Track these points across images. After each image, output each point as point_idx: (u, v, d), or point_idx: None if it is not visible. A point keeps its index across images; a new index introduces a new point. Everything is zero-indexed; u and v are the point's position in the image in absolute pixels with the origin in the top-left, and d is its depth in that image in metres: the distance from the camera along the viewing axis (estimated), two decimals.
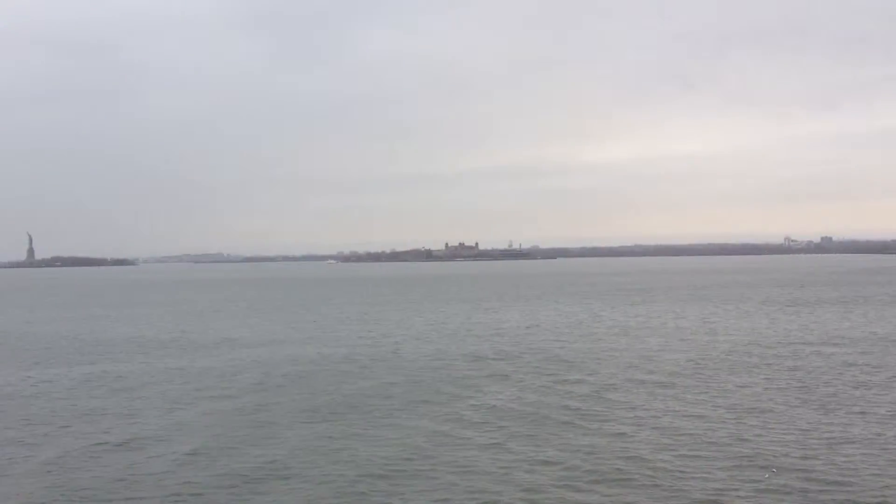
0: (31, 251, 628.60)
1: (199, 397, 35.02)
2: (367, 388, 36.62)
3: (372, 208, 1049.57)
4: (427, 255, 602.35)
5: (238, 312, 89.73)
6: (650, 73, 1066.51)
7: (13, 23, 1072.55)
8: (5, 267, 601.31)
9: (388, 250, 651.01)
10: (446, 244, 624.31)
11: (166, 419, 30.45)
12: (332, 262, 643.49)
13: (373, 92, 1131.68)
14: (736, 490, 20.69)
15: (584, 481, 21.81)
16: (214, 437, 27.24)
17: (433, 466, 23.39)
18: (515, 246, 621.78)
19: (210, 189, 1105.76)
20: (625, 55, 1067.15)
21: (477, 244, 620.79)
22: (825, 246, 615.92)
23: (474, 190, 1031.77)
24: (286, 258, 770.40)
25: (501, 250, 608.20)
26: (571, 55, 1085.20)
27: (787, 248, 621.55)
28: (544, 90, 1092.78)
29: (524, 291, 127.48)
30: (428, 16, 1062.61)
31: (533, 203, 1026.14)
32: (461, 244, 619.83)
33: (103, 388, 38.08)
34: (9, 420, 30.83)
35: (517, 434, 27.11)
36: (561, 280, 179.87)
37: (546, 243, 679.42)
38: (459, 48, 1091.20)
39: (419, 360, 45.59)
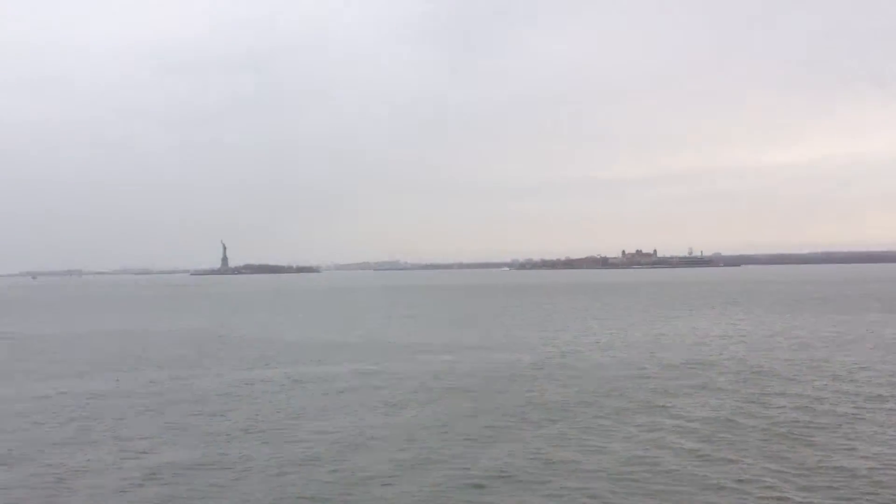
0: (224, 259, 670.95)
1: (406, 401, 35.14)
2: (566, 395, 35.65)
3: (547, 215, 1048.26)
4: (603, 263, 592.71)
5: (423, 317, 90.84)
6: (832, 71, 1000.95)
7: (202, 43, 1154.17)
8: (202, 273, 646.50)
9: (562, 258, 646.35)
10: (623, 251, 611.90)
11: (381, 421, 30.69)
12: (506, 269, 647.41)
13: (540, 96, 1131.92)
14: None
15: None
16: (434, 442, 27.09)
17: (660, 475, 22.38)
18: (696, 253, 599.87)
19: (386, 198, 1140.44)
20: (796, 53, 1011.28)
21: (655, 251, 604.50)
22: None
23: (651, 195, 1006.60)
24: (462, 265, 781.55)
25: (681, 257, 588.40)
26: (736, 55, 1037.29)
27: None
28: (714, 91, 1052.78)
29: (710, 299, 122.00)
30: (583, 20, 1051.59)
31: (712, 208, 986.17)
32: (638, 251, 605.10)
33: (314, 388, 39.11)
34: (225, 420, 32.00)
35: (741, 446, 25.37)
36: (747, 288, 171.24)
37: (728, 250, 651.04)
38: (618, 51, 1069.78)
39: (611, 368, 44.12)
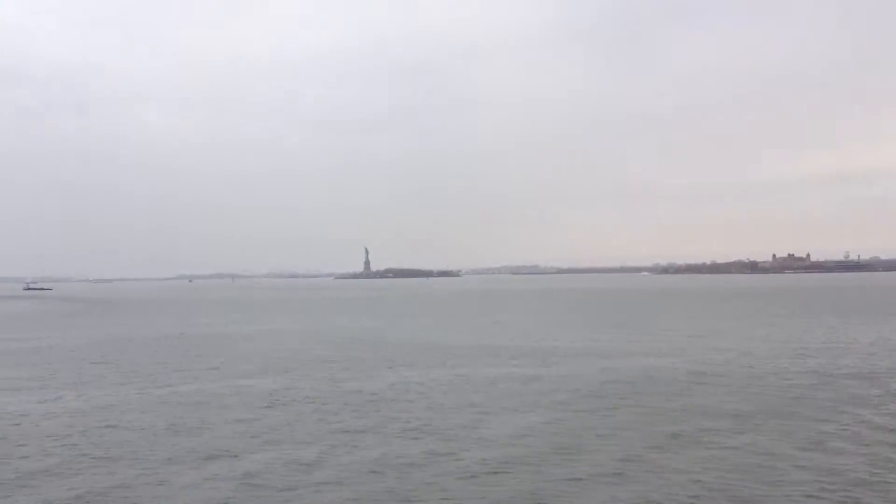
0: (367, 263, 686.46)
1: (576, 405, 33.78)
2: (746, 402, 33.31)
3: (691, 219, 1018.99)
4: (752, 267, 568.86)
5: (572, 321, 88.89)
6: None
7: (358, 52, 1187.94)
8: (345, 277, 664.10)
9: (707, 262, 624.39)
10: (773, 255, 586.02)
11: (550, 424, 29.44)
12: (646, 273, 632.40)
13: (685, 101, 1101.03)
14: None
15: None
16: (621, 449, 25.81)
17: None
18: (853, 257, 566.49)
19: (526, 203, 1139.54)
20: None
21: (808, 255, 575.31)
22: None
23: (804, 199, 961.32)
24: (599, 270, 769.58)
25: (836, 262, 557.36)
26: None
27: None
28: (868, 91, 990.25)
29: (872, 305, 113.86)
30: (733, 21, 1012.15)
31: (868, 212, 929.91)
32: (790, 255, 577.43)
33: (483, 390, 38.44)
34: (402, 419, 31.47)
35: None
36: None
37: (888, 254, 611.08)
38: (769, 52, 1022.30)
39: (787, 376, 41.22)
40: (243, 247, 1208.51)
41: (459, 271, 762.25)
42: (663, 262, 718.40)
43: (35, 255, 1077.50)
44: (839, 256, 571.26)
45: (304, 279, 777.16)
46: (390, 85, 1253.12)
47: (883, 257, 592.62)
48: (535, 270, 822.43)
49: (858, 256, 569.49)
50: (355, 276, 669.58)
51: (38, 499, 21.10)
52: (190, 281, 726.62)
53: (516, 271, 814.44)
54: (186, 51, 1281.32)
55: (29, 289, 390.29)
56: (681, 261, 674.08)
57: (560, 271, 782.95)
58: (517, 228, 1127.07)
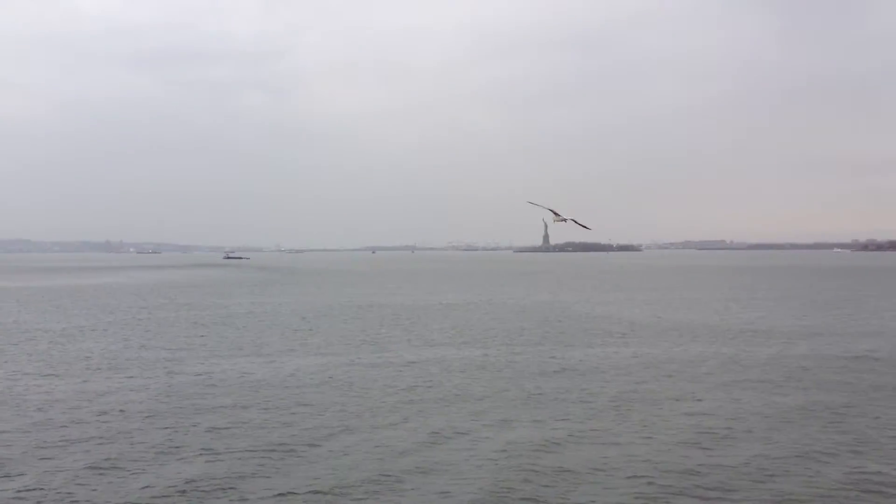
0: (546, 237, 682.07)
1: (783, 386, 30.88)
2: None
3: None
4: None
5: (765, 300, 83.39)
6: None
7: (536, 23, 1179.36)
8: (524, 251, 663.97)
9: None
10: None
11: (759, 407, 26.92)
12: (838, 250, 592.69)
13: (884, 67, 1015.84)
14: None
15: None
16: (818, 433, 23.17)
17: None
18: None
19: (715, 175, 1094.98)
20: None
21: None
22: None
23: None
24: (794, 246, 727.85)
25: None
26: None
27: None
28: None
29: None
30: None
31: None
32: None
33: (680, 370, 36.17)
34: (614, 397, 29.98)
35: None
36: None
37: None
38: None
39: None
40: (424, 220, 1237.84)
41: (640, 245, 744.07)
42: (863, 238, 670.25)
43: (232, 227, 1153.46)
44: None
45: (483, 252, 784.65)
46: (563, 56, 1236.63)
47: None
48: (721, 245, 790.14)
49: None
50: (534, 249, 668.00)
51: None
52: (373, 252, 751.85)
53: (702, 246, 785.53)
54: (363, 28, 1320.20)
55: (228, 258, 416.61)
56: (882, 236, 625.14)
57: (749, 247, 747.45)
58: (701, 201, 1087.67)
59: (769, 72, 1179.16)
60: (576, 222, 29.16)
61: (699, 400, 29.38)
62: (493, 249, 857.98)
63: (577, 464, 21.17)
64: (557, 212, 29.03)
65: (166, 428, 25.23)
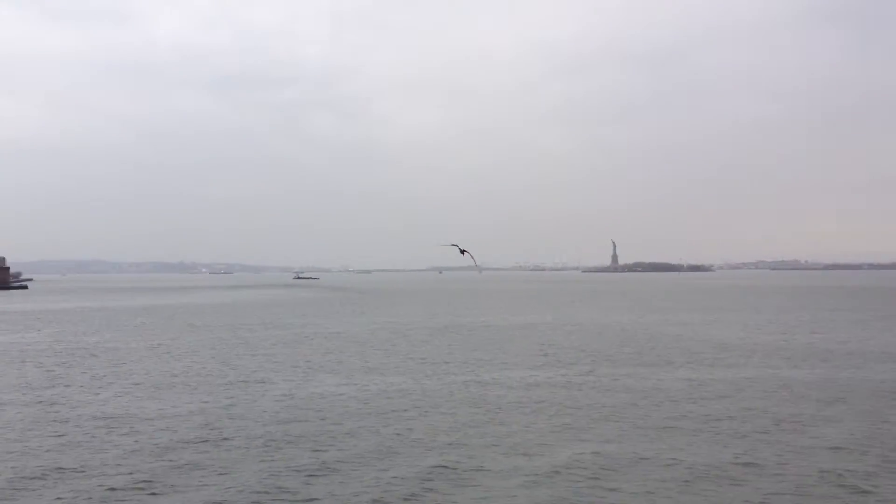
0: (614, 257, 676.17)
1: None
2: None
3: None
4: None
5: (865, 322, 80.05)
6: None
7: (604, 41, 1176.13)
8: (593, 271, 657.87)
9: None
10: None
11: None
12: None
13: None
14: None
15: None
16: None
17: None
18: None
19: (785, 195, 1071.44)
20: None
21: None
22: None
23: None
24: (872, 266, 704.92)
25: None
26: None
27: None
28: None
29: None
30: None
31: None
32: None
33: (800, 393, 34.47)
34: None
35: None
36: None
37: None
38: None
39: None
40: (490, 240, 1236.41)
41: (711, 266, 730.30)
42: None
43: (300, 248, 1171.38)
44: None
45: (550, 272, 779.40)
46: (631, 75, 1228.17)
47: None
48: (795, 265, 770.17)
49: None
50: (603, 269, 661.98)
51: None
52: (440, 273, 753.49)
53: (775, 266, 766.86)
54: (430, 49, 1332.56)
55: (299, 278, 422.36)
56: None
57: (826, 267, 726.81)
58: (774, 221, 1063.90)
59: (842, 86, 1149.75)
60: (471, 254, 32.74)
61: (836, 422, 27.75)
62: (560, 269, 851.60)
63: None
64: (461, 248, 32.22)
65: (265, 446, 24.84)
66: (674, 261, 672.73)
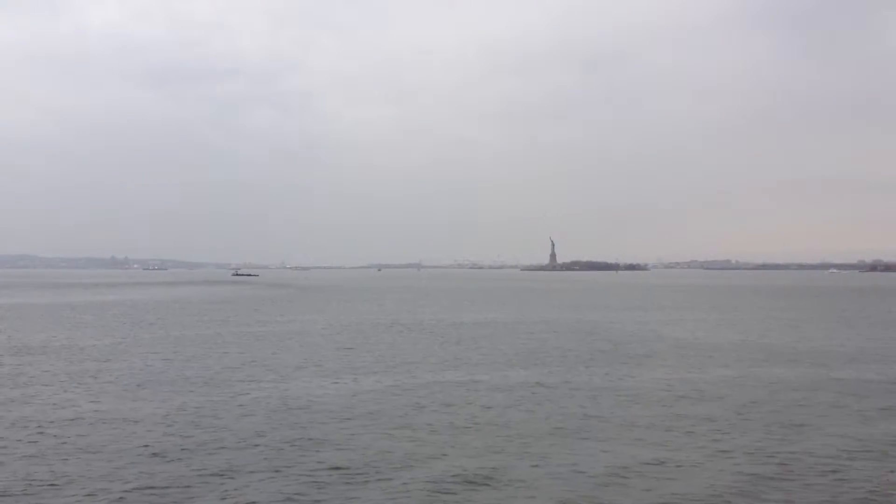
0: (553, 255, 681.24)
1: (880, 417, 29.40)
2: None
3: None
4: None
5: (811, 321, 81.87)
6: None
7: (546, 41, 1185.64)
8: (531, 269, 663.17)
9: None
10: None
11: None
12: (833, 270, 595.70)
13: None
14: None
15: None
16: None
17: None
18: None
19: (718, 195, 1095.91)
20: None
21: None
22: None
23: None
24: (801, 266, 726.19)
25: None
26: None
27: None
28: None
29: None
30: None
31: None
32: None
33: (779, 394, 34.60)
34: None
35: None
36: None
37: None
38: None
39: None
40: (428, 238, 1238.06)
41: (647, 265, 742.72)
42: (869, 258, 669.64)
43: (236, 244, 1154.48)
44: None
45: (489, 270, 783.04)
46: (569, 74, 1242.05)
47: None
48: (727, 265, 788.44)
49: None
50: (541, 267, 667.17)
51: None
52: (379, 270, 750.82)
53: (707, 266, 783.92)
54: (372, 46, 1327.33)
55: (237, 274, 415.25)
56: (890, 257, 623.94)
57: (755, 267, 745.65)
58: (705, 221, 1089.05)
59: (779, 89, 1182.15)
60: None
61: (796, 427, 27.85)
62: (499, 268, 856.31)
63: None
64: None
65: (239, 447, 23.83)
66: (610, 260, 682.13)
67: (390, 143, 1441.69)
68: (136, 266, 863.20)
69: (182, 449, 24.29)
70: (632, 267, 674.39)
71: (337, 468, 22.11)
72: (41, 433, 26.57)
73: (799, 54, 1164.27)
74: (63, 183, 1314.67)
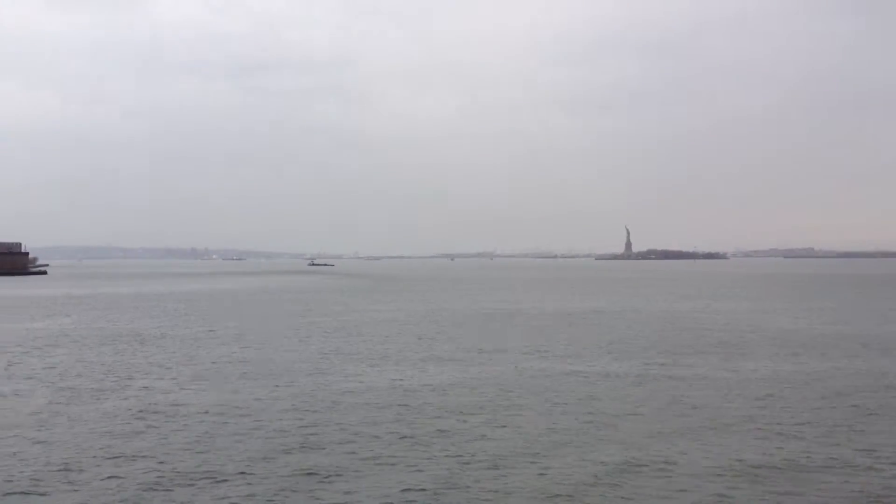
0: (628, 244, 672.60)
1: None
2: None
3: None
4: None
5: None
6: None
7: (613, 28, 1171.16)
8: (606, 258, 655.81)
9: None
10: None
11: None
12: None
13: None
14: None
15: None
16: None
17: None
18: None
19: (800, 182, 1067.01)
20: None
21: None
22: None
23: None
24: (885, 254, 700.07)
25: None
26: None
27: None
28: None
29: None
30: None
31: None
32: None
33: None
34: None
35: None
36: None
37: None
38: None
39: None
40: (500, 227, 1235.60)
41: (725, 253, 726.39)
42: None
43: (310, 234, 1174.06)
44: None
45: (561, 259, 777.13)
46: (640, 61, 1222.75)
47: None
48: (809, 253, 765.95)
49: None
50: (615, 257, 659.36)
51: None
52: (452, 259, 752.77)
53: (788, 254, 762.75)
54: (436, 36, 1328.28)
55: (313, 264, 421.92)
56: None
57: (839, 255, 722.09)
58: (786, 208, 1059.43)
59: (844, 77, 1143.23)
60: None
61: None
62: (572, 257, 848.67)
63: None
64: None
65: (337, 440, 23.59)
66: (687, 248, 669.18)
67: (457, 132, 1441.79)
68: (215, 257, 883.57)
69: (311, 435, 24.27)
70: (710, 256, 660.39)
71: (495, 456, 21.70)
72: (184, 424, 26.89)
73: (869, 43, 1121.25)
74: (143, 176, 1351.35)
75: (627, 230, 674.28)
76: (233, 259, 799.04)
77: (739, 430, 24.85)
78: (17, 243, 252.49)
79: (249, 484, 19.50)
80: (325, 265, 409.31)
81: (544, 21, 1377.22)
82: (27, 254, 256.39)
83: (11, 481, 19.72)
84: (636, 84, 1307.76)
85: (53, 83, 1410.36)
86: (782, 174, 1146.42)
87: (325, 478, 20.00)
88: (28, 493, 18.86)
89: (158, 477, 20.02)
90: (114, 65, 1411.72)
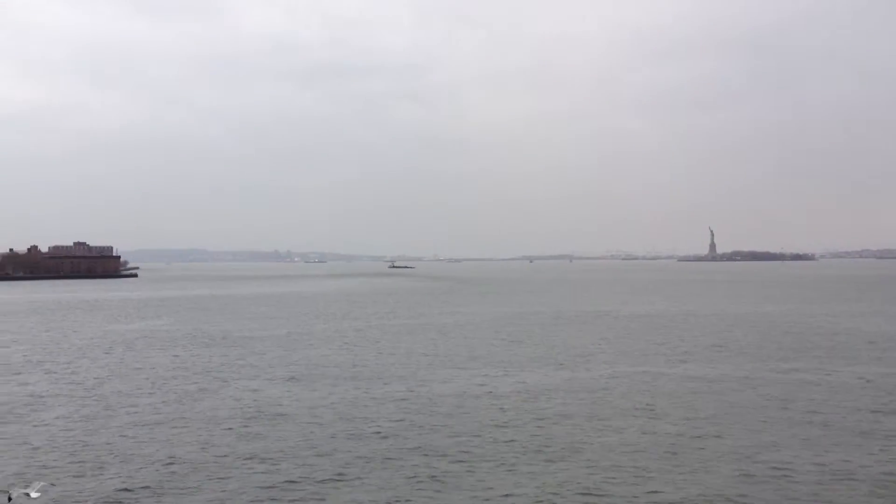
0: (712, 246, 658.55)
1: None
2: None
3: None
4: None
5: None
6: None
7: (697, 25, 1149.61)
8: (689, 260, 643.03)
9: None
10: None
11: None
12: None
13: None
14: None
15: None
16: None
17: None
18: None
19: (889, 179, 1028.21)
20: None
21: None
22: None
23: None
24: None
25: None
26: None
27: None
28: None
29: None
30: None
31: None
32: None
33: None
34: None
35: None
36: None
37: None
38: None
39: None
40: (579, 229, 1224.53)
41: (814, 255, 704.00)
42: None
43: (389, 236, 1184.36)
44: None
45: (643, 261, 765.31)
46: (726, 60, 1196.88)
47: None
48: None
49: None
50: (699, 258, 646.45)
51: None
52: (531, 262, 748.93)
53: (881, 255, 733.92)
54: (516, 37, 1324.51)
55: (394, 266, 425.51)
56: None
57: None
58: (880, 206, 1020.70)
59: None
60: None
61: None
62: (653, 259, 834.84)
63: None
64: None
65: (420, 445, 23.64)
66: (773, 249, 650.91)
67: (537, 134, 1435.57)
68: (297, 259, 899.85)
69: (418, 433, 24.55)
70: (798, 257, 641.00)
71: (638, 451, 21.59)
72: (293, 421, 27.53)
73: None
74: (226, 180, 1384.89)
75: (711, 231, 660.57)
76: (314, 262, 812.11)
77: (856, 439, 24.11)
78: (108, 247, 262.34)
79: (375, 486, 19.85)
80: (406, 267, 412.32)
81: (624, 22, 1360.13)
82: (119, 257, 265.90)
83: (135, 479, 20.51)
84: (719, 82, 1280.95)
85: (139, 91, 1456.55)
86: (874, 173, 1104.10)
87: (444, 482, 20.20)
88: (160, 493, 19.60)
89: (286, 480, 20.51)
90: (197, 72, 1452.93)
